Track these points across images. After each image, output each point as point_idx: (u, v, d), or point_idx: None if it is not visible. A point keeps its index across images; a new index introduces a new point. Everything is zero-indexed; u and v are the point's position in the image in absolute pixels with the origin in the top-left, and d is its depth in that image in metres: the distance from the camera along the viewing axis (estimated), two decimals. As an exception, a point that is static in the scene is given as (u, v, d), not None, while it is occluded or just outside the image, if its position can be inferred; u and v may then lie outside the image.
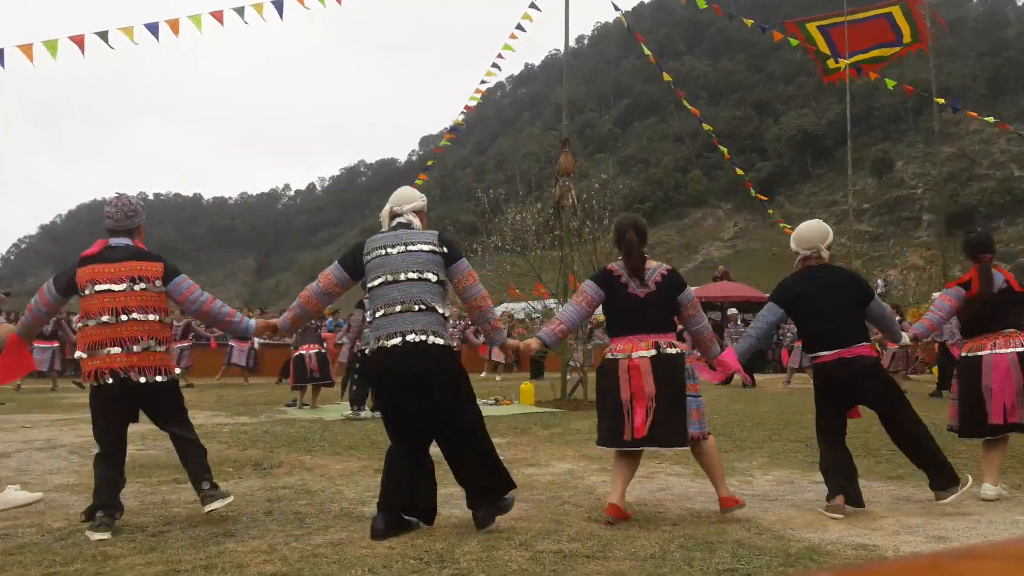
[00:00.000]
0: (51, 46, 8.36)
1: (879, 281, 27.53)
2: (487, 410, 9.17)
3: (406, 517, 3.39)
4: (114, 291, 3.46)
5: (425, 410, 3.38)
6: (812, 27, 16.62)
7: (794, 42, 14.32)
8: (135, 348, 3.43)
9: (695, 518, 3.66)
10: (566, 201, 9.79)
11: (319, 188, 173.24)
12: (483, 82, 13.68)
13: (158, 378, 3.49)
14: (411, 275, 3.40)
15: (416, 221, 3.63)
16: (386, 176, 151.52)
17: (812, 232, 4.14)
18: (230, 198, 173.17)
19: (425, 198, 3.79)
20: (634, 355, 3.56)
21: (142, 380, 3.44)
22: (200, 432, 6.90)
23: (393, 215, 3.64)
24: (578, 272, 10.17)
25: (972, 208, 65.48)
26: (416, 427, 3.45)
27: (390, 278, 3.41)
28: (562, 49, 11.16)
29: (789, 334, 14.91)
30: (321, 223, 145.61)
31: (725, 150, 15.32)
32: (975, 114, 14.58)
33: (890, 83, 13.92)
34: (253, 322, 3.89)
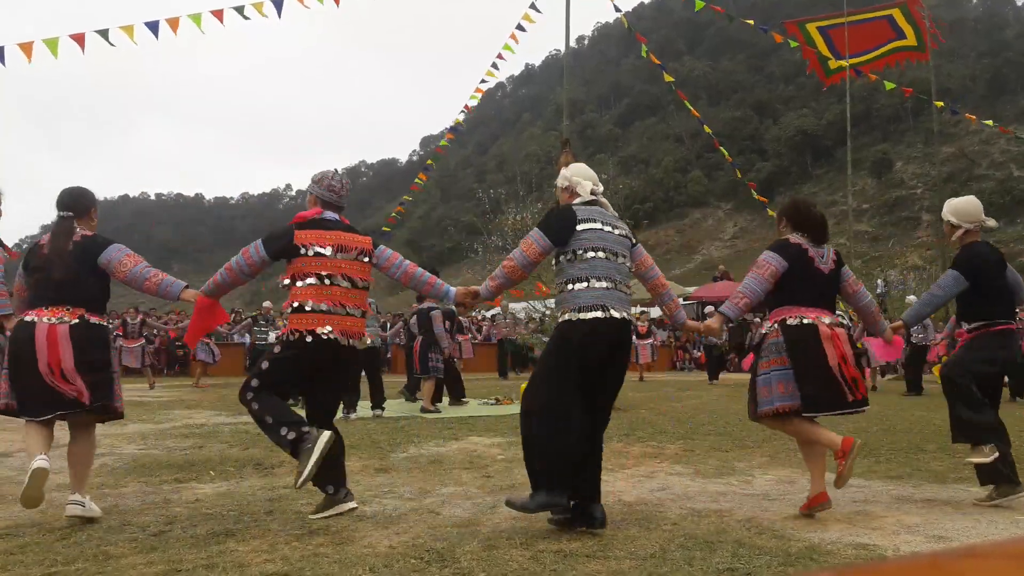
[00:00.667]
0: (52, 44, 8.36)
1: (879, 281, 27.49)
2: (487, 410, 9.20)
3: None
4: (342, 259, 3.63)
5: (609, 381, 3.48)
6: (812, 27, 16.61)
7: (794, 44, 14.33)
8: (355, 314, 3.63)
9: (695, 517, 3.66)
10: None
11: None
12: (483, 82, 13.70)
13: (356, 344, 3.67)
14: (621, 258, 3.52)
15: (606, 201, 3.73)
16: (387, 176, 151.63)
17: (974, 206, 4.26)
18: (231, 198, 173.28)
19: None
20: (829, 323, 3.65)
21: (350, 343, 3.61)
22: (202, 431, 6.93)
23: (593, 192, 3.67)
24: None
25: (972, 208, 65.40)
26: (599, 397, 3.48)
27: (607, 256, 3.47)
28: (562, 49, 11.17)
29: None
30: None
31: (726, 152, 15.31)
32: (973, 117, 14.58)
33: (889, 85, 13.93)
34: (453, 289, 3.92)
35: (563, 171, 3.81)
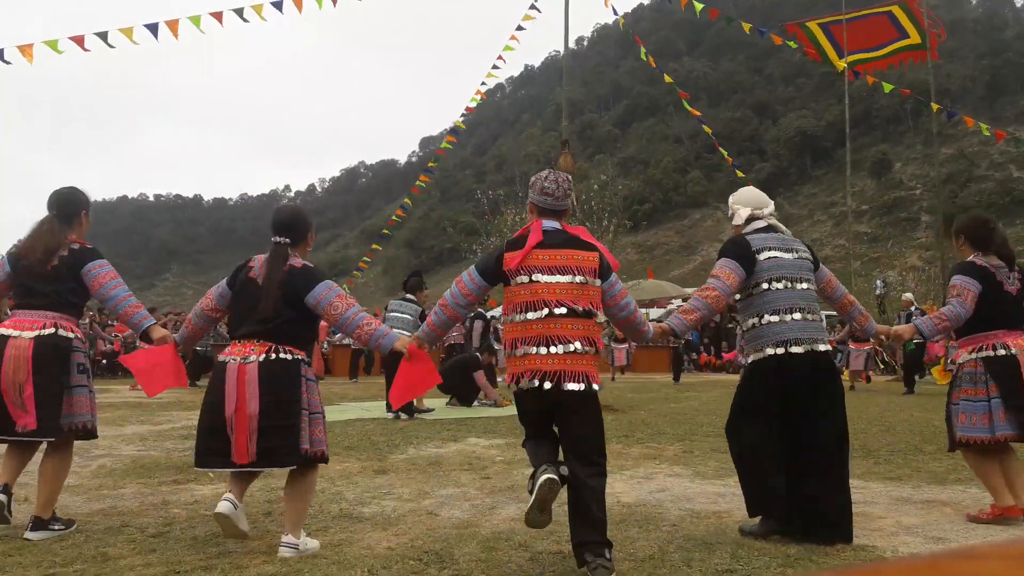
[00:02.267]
0: (52, 45, 8.37)
1: (878, 282, 27.54)
2: (486, 411, 9.20)
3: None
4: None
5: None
6: (813, 25, 16.64)
7: (793, 45, 14.34)
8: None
9: (694, 519, 3.66)
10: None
11: (319, 189, 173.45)
12: (483, 83, 13.70)
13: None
14: (803, 284, 3.38)
15: (781, 225, 3.56)
16: (386, 177, 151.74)
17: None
18: (230, 199, 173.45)
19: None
20: (1017, 352, 3.57)
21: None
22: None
23: (753, 218, 3.53)
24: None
25: (971, 209, 65.50)
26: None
27: (788, 285, 3.34)
28: (562, 50, 11.16)
29: None
30: (322, 224, 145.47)
31: (726, 152, 15.32)
32: (971, 120, 14.58)
33: (887, 87, 13.93)
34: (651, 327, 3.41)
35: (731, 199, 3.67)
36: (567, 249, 2.93)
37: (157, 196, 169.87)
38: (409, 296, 8.77)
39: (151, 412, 8.83)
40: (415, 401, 8.91)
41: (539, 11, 12.49)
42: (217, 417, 3.02)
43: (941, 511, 3.84)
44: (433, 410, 8.90)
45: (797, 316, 3.28)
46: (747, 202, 3.56)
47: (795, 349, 3.24)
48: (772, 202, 3.62)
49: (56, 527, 3.34)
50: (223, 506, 2.98)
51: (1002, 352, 3.59)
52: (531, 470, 3.02)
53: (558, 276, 2.88)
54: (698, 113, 14.44)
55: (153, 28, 8.85)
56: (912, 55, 16.30)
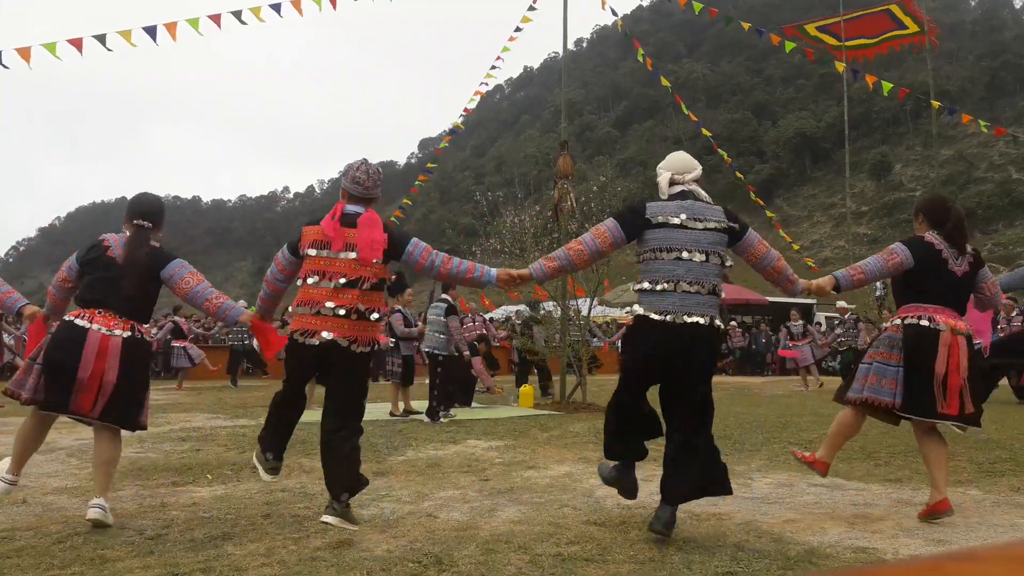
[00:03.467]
0: (50, 49, 8.36)
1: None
2: (485, 413, 9.17)
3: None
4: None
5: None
6: (810, 28, 16.70)
7: (791, 46, 14.36)
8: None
9: (694, 521, 3.66)
10: (565, 204, 9.79)
11: (318, 190, 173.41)
12: (482, 84, 13.71)
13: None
14: (699, 256, 3.31)
15: (703, 192, 3.51)
16: (385, 178, 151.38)
17: None
18: (229, 200, 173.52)
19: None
20: (954, 330, 3.56)
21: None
22: (198, 435, 6.92)
23: (672, 182, 3.50)
24: (576, 274, 10.15)
25: (970, 211, 65.56)
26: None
27: (677, 256, 3.30)
28: (561, 52, 11.16)
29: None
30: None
31: (725, 154, 15.33)
32: (970, 117, 14.59)
33: (887, 87, 13.93)
34: (494, 271, 3.65)
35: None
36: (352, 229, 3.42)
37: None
38: (444, 296, 8.77)
39: (150, 414, 8.82)
40: (404, 404, 8.90)
41: (536, 8, 12.50)
42: (65, 375, 3.37)
43: (941, 513, 3.83)
44: (421, 412, 8.88)
45: (675, 286, 3.27)
46: (670, 167, 3.55)
47: (667, 318, 3.25)
48: (698, 168, 3.59)
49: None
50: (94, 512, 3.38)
51: (924, 323, 3.58)
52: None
53: (347, 253, 3.38)
54: (695, 118, 14.47)
55: (151, 31, 8.85)
56: (912, 39, 16.34)
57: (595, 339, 14.65)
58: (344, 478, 3.38)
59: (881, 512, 3.84)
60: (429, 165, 18.60)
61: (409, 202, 17.94)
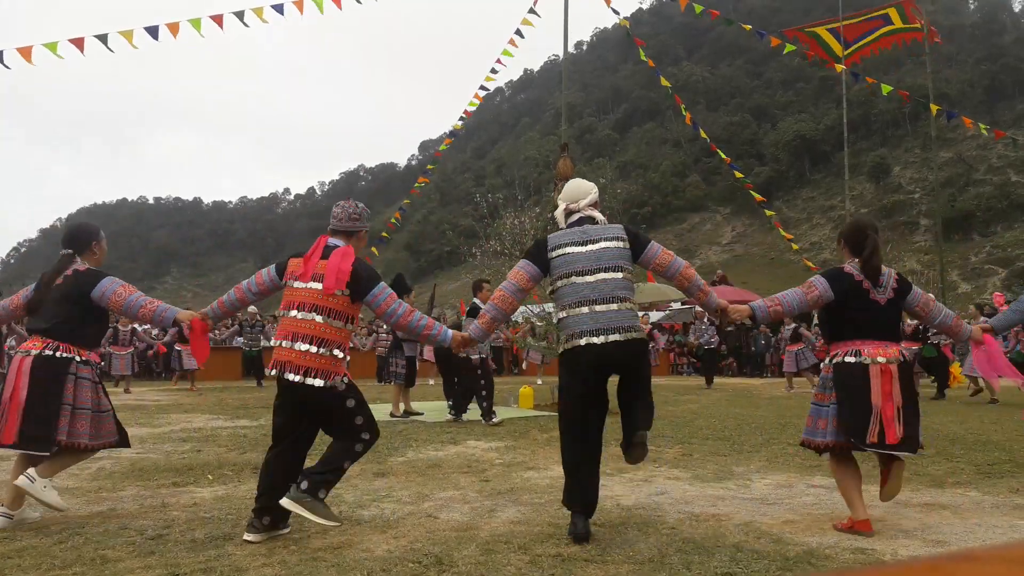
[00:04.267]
0: (51, 48, 8.36)
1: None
2: (478, 412, 9.17)
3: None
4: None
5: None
6: (813, 30, 16.77)
7: (790, 48, 14.38)
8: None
9: (693, 522, 3.66)
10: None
11: (319, 192, 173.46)
12: (482, 87, 13.71)
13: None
14: (601, 275, 3.39)
15: (598, 215, 3.61)
16: (385, 180, 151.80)
17: None
18: (230, 202, 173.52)
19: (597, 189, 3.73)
20: (880, 360, 3.52)
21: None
22: (200, 435, 6.92)
23: (569, 212, 3.61)
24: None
25: (969, 213, 65.68)
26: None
27: (578, 279, 3.40)
28: (561, 54, 11.18)
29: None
30: (321, 227, 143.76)
31: (723, 153, 15.34)
32: (970, 121, 14.61)
33: (886, 88, 13.94)
34: (450, 333, 3.71)
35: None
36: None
37: (157, 199, 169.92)
38: (475, 300, 8.72)
39: (150, 415, 8.83)
40: (404, 405, 8.90)
41: (538, 15, 12.52)
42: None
43: (940, 514, 3.85)
44: (423, 413, 8.88)
45: (585, 309, 3.35)
46: (565, 197, 3.66)
47: (592, 340, 3.32)
48: (593, 191, 3.65)
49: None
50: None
51: (850, 360, 3.56)
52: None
53: (312, 284, 3.40)
54: (690, 121, 14.46)
55: (153, 31, 8.86)
56: (906, 36, 16.40)
57: None
58: (316, 465, 3.41)
59: (879, 513, 3.85)
60: (429, 167, 18.61)
61: (408, 202, 17.95)
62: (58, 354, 3.54)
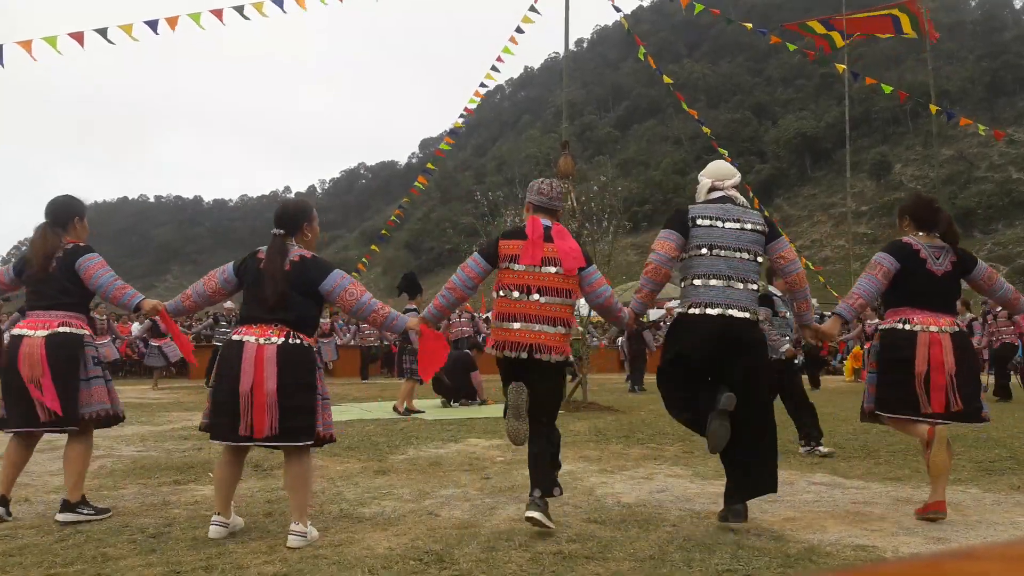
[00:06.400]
0: (51, 43, 8.35)
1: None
2: (484, 412, 9.18)
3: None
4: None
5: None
6: (814, 24, 16.76)
7: (792, 47, 14.35)
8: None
9: (695, 519, 3.67)
10: (566, 203, 9.79)
11: (319, 190, 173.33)
12: (483, 85, 13.69)
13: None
14: (740, 254, 3.45)
15: (740, 197, 3.67)
16: (386, 179, 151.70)
17: None
18: (231, 200, 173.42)
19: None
20: (932, 328, 3.59)
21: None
22: (200, 434, 6.91)
23: (713, 188, 3.66)
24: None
25: (971, 211, 65.56)
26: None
27: (719, 252, 3.44)
28: (561, 52, 11.17)
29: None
30: (321, 225, 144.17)
31: (725, 152, 15.32)
32: (969, 120, 14.58)
33: (887, 88, 13.91)
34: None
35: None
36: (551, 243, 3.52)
37: (158, 197, 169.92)
38: (410, 307, 8.70)
39: (151, 413, 8.83)
40: (407, 403, 8.91)
41: (538, 12, 12.50)
42: (230, 394, 3.19)
43: (941, 512, 3.84)
44: (423, 412, 8.88)
45: (718, 283, 3.41)
46: (711, 174, 3.73)
47: (710, 311, 3.39)
48: (737, 175, 3.74)
49: (84, 511, 3.57)
50: (214, 531, 3.27)
51: (899, 326, 3.64)
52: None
53: (548, 267, 3.47)
54: (695, 114, 14.44)
55: (153, 24, 8.85)
56: (906, 17, 16.39)
57: (593, 339, 14.70)
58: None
59: (881, 510, 3.85)
60: (429, 165, 18.56)
61: (408, 200, 17.94)
62: (71, 331, 3.62)
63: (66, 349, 3.57)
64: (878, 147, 79.46)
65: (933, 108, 14.86)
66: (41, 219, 3.84)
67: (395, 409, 8.76)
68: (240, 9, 9.26)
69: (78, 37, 8.49)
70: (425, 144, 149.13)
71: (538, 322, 3.43)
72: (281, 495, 4.20)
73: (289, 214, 3.53)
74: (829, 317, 4.06)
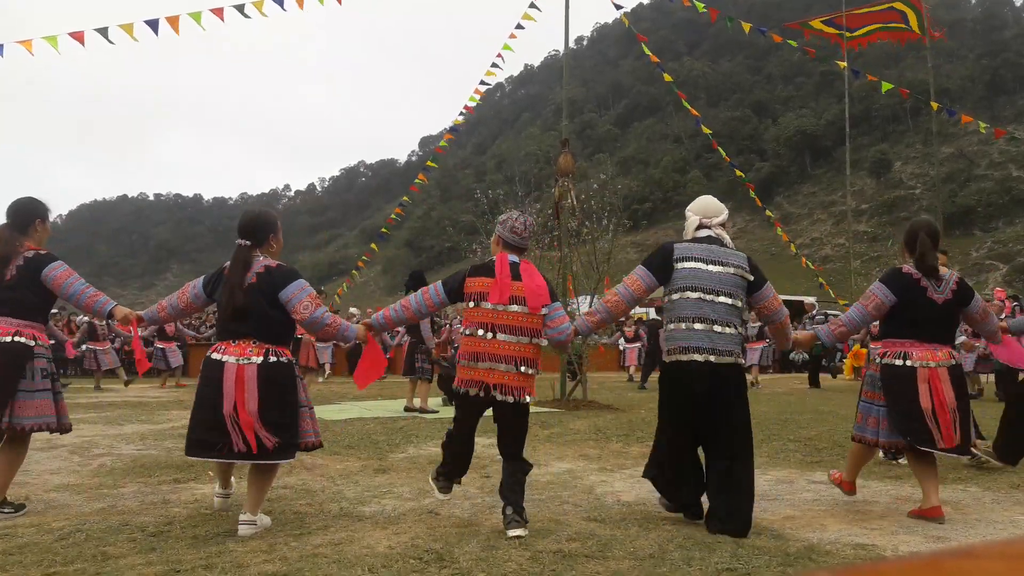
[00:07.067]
0: (51, 42, 8.35)
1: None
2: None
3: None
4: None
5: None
6: (815, 23, 16.73)
7: (793, 43, 14.33)
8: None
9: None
10: (565, 201, 9.80)
11: (319, 189, 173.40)
12: (483, 83, 13.69)
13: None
14: (722, 298, 3.44)
15: (727, 237, 3.65)
16: (386, 177, 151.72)
17: None
18: (230, 198, 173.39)
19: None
20: (932, 364, 3.58)
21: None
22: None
23: (701, 226, 3.64)
24: (577, 272, 10.15)
25: (970, 208, 65.59)
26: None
27: (702, 296, 3.44)
28: (562, 50, 11.17)
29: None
30: (321, 223, 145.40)
31: (724, 152, 15.32)
32: (970, 118, 14.57)
33: (886, 86, 13.90)
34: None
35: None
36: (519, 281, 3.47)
37: (157, 195, 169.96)
38: None
39: (151, 411, 8.84)
40: (420, 402, 8.90)
41: (539, 10, 12.49)
42: (211, 412, 3.25)
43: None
44: (438, 412, 8.88)
45: (700, 327, 3.41)
46: (699, 211, 3.71)
47: (695, 357, 3.40)
48: (725, 212, 3.71)
49: (5, 510, 3.62)
50: (218, 502, 3.54)
51: (898, 363, 3.62)
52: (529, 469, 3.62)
53: (514, 305, 3.42)
54: (697, 113, 14.42)
55: (153, 24, 8.84)
56: (901, 35, 16.34)
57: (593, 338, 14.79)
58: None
59: (881, 509, 3.86)
60: (429, 163, 18.56)
61: (409, 199, 17.92)
62: (17, 340, 3.62)
63: (10, 357, 3.54)
64: (878, 145, 79.47)
65: (934, 105, 14.84)
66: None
67: (406, 408, 8.78)
68: (241, 8, 9.26)
69: (79, 37, 8.49)
70: (425, 142, 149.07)
71: (503, 362, 3.37)
72: (281, 494, 4.20)
73: (255, 225, 3.54)
74: (815, 324, 4.12)
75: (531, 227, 3.62)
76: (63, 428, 3.77)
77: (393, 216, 17.15)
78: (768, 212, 19.03)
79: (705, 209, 3.67)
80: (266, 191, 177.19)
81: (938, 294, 3.66)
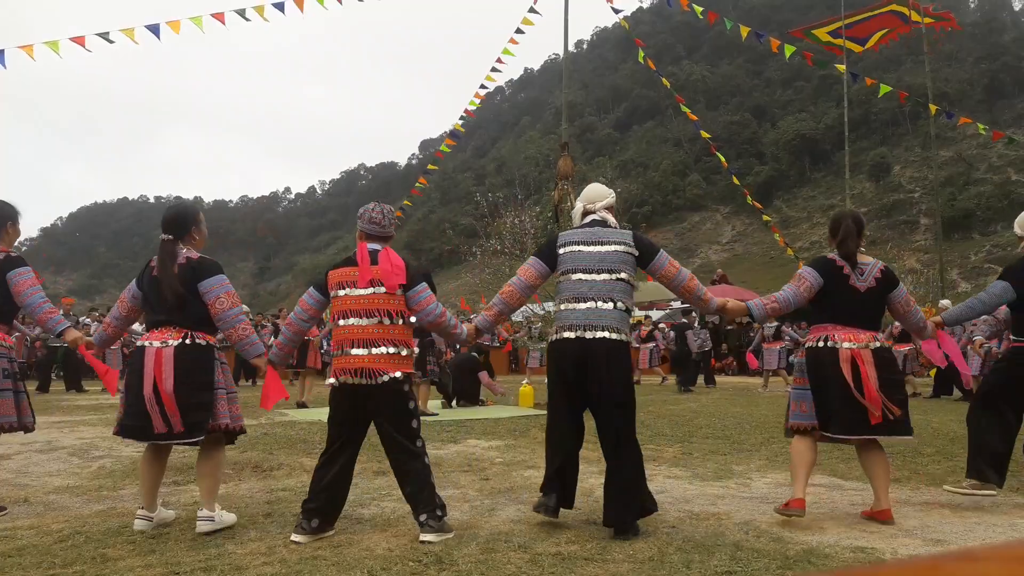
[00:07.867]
0: (53, 47, 8.36)
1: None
2: (486, 412, 9.20)
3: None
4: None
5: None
6: (820, 32, 16.75)
7: (790, 50, 14.36)
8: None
9: (693, 520, 3.67)
10: (565, 204, 9.81)
11: (319, 191, 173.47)
12: (483, 86, 13.72)
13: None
14: (603, 276, 3.49)
15: (611, 219, 3.71)
16: (386, 179, 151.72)
17: None
18: (231, 201, 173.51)
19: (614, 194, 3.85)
20: (854, 345, 3.61)
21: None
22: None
23: (586, 212, 3.73)
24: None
25: (969, 212, 65.67)
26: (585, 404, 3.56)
27: (582, 276, 3.51)
28: (561, 53, 11.18)
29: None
30: (321, 226, 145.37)
31: (723, 158, 15.34)
32: (969, 120, 14.60)
33: (885, 89, 13.93)
34: (465, 328, 3.79)
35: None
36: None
37: (157, 198, 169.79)
38: None
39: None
40: (420, 404, 8.91)
41: (539, 13, 12.52)
42: (136, 397, 3.35)
43: (940, 513, 3.85)
44: (437, 414, 8.87)
45: (583, 306, 3.47)
46: (584, 198, 3.80)
47: (566, 334, 3.48)
48: (610, 195, 3.78)
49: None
50: (139, 524, 3.42)
51: (820, 344, 3.67)
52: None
53: (373, 287, 3.42)
54: (695, 117, 14.45)
55: (155, 28, 8.86)
56: (897, 33, 16.36)
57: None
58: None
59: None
60: (430, 167, 18.58)
61: (409, 203, 17.95)
62: None
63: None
64: (877, 149, 79.56)
65: (933, 108, 14.87)
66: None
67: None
68: (242, 12, 9.28)
69: (80, 41, 8.51)
70: (425, 145, 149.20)
71: (365, 346, 3.35)
72: (281, 495, 4.20)
73: (176, 219, 3.58)
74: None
75: (390, 214, 3.63)
76: (25, 427, 3.80)
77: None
78: (766, 217, 19.06)
79: (588, 195, 3.77)
80: (266, 193, 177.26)
81: (860, 282, 3.71)
